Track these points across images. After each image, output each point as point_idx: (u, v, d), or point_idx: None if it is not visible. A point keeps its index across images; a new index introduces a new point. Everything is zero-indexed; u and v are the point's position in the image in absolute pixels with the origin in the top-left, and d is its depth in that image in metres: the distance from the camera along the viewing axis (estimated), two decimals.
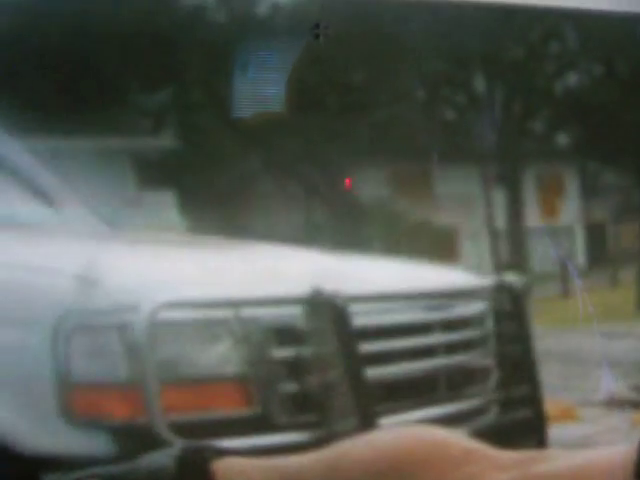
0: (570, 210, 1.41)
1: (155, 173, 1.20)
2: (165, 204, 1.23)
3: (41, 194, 1.27)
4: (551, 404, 1.44)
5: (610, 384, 1.45)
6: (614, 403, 1.48)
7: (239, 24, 1.15)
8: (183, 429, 1.18)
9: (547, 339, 1.48)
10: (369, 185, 1.28)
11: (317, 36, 1.22)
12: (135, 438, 1.17)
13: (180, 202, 1.20)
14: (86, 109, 1.18)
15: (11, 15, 1.23)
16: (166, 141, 1.17)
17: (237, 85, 1.18)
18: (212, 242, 1.24)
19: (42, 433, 1.20)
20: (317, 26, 1.21)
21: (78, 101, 1.18)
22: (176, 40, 1.16)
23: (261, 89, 1.19)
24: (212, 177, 1.17)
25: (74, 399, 1.22)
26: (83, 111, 1.19)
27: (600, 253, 1.42)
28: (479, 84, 1.29)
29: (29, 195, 1.27)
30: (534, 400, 1.41)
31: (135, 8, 1.14)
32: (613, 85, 1.31)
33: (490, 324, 1.42)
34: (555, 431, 1.43)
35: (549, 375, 1.43)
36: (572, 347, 1.46)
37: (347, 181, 1.25)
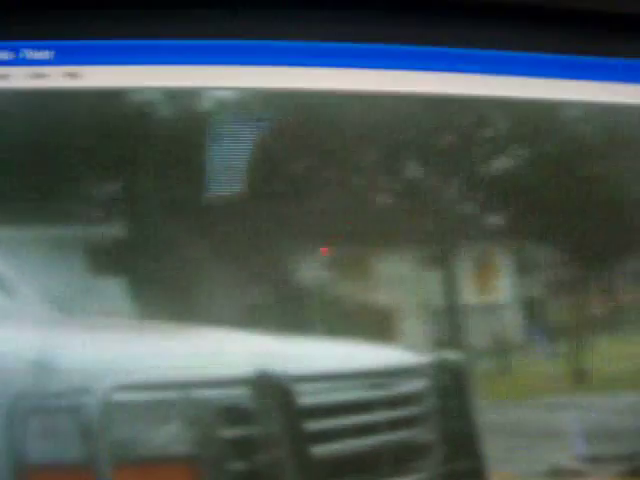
0: (505, 287, 1.45)
1: (106, 261, 1.23)
2: (116, 291, 1.27)
3: None
4: (496, 477, 1.44)
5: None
6: (558, 473, 1.51)
7: (185, 118, 1.20)
8: None
9: (489, 413, 1.50)
10: (310, 269, 1.32)
11: (259, 129, 1.29)
12: None
13: (130, 288, 1.24)
14: (39, 200, 1.22)
15: None
16: (116, 230, 1.20)
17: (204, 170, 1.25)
18: (161, 327, 1.28)
19: None
20: (259, 119, 1.29)
21: (31, 192, 1.22)
22: (125, 134, 1.20)
23: (215, 177, 1.25)
24: (160, 264, 1.20)
25: None
26: (36, 201, 1.23)
27: (536, 327, 1.46)
28: (413, 170, 1.34)
29: None
30: (479, 473, 1.43)
31: (86, 104, 1.19)
32: (542, 167, 1.37)
33: (432, 400, 1.46)
34: None
35: (493, 448, 1.44)
36: (514, 420, 1.50)
37: (323, 250, 1.31)
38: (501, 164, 1.46)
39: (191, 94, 1.28)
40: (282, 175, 1.30)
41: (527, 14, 1.21)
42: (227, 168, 1.27)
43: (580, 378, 1.48)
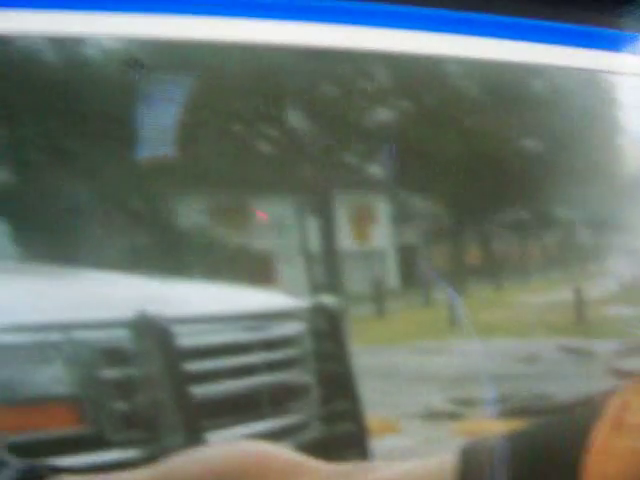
0: (382, 235, 1.50)
1: None
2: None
3: None
4: (372, 418, 1.50)
5: (428, 397, 1.53)
6: (432, 415, 1.58)
7: (70, 65, 1.21)
8: (19, 449, 1.27)
9: (365, 357, 1.56)
10: (191, 214, 1.34)
11: (138, 76, 1.30)
12: None
13: (13, 232, 1.26)
14: None
15: None
16: (1, 175, 1.21)
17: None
18: (44, 270, 1.31)
19: None
20: (140, 65, 1.30)
21: None
22: (9, 79, 1.20)
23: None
24: (43, 208, 1.22)
25: None
26: None
27: (412, 275, 1.51)
28: (295, 120, 1.37)
29: None
30: (355, 414, 1.48)
31: None
32: (421, 121, 1.40)
33: (309, 343, 1.51)
34: (377, 444, 1.49)
35: (369, 391, 1.50)
36: (390, 364, 1.55)
37: (262, 215, 1.33)
38: (383, 116, 1.49)
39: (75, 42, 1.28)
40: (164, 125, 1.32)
41: None
42: (107, 114, 1.29)
43: (454, 324, 1.56)
